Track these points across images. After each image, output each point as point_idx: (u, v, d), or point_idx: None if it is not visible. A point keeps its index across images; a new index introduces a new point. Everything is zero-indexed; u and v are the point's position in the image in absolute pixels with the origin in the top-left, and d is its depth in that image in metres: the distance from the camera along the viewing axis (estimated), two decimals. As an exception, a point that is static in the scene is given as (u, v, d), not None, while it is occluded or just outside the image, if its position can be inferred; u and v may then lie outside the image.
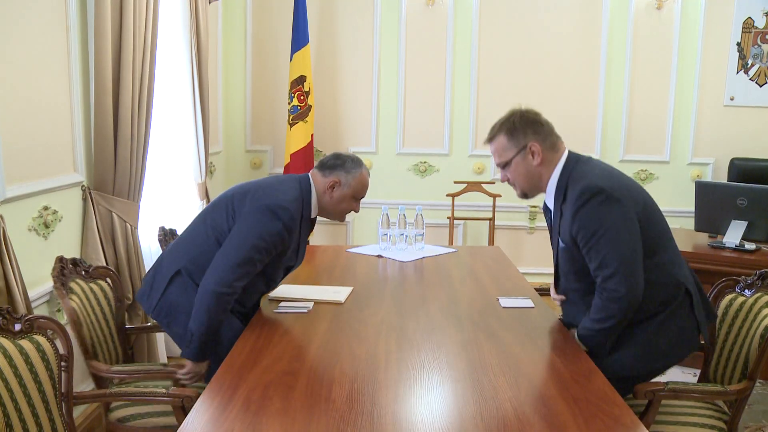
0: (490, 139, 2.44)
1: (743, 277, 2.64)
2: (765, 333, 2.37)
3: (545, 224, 5.73)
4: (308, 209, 2.63)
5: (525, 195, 2.48)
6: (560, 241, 2.40)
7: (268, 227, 2.44)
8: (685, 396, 2.33)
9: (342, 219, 2.78)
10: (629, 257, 2.21)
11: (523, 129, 2.35)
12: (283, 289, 2.93)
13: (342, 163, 2.65)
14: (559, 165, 2.36)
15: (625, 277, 2.19)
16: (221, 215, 2.56)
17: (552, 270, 2.64)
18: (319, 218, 2.70)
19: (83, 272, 2.69)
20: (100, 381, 2.60)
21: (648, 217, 2.30)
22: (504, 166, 2.41)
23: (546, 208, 2.53)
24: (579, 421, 1.76)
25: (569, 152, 2.40)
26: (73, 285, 2.60)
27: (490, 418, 1.77)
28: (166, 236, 3.26)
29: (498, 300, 2.84)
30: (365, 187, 2.71)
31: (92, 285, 2.71)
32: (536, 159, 2.35)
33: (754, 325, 2.47)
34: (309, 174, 2.69)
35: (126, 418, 2.46)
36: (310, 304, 2.73)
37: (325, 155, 5.59)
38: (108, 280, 2.78)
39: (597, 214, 2.21)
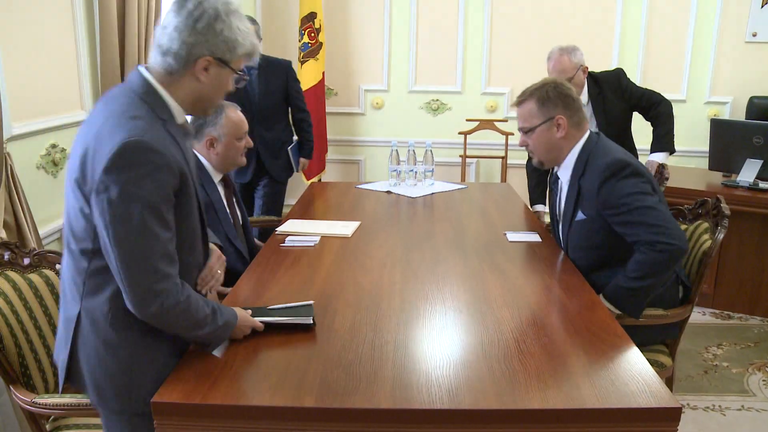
0: (519, 102, 2.48)
1: (686, 206, 2.80)
2: (702, 258, 2.54)
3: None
4: (207, 175, 2.63)
5: (542, 164, 2.54)
6: (581, 213, 2.42)
7: None
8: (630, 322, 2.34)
9: (243, 162, 2.74)
10: (669, 217, 2.27)
11: (554, 101, 2.41)
12: (290, 225, 2.94)
13: (203, 120, 2.61)
14: (581, 142, 2.44)
15: (673, 231, 2.22)
16: None
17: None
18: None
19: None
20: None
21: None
22: (527, 132, 2.47)
23: (556, 179, 2.60)
24: (579, 351, 1.77)
25: (590, 132, 2.47)
26: None
27: (492, 347, 1.79)
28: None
29: (505, 234, 2.84)
30: (237, 123, 2.67)
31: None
32: (560, 132, 2.42)
33: (694, 250, 2.64)
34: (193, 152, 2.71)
35: None
36: (317, 238, 2.75)
37: (336, 93, 5.61)
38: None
39: (629, 184, 2.27)
